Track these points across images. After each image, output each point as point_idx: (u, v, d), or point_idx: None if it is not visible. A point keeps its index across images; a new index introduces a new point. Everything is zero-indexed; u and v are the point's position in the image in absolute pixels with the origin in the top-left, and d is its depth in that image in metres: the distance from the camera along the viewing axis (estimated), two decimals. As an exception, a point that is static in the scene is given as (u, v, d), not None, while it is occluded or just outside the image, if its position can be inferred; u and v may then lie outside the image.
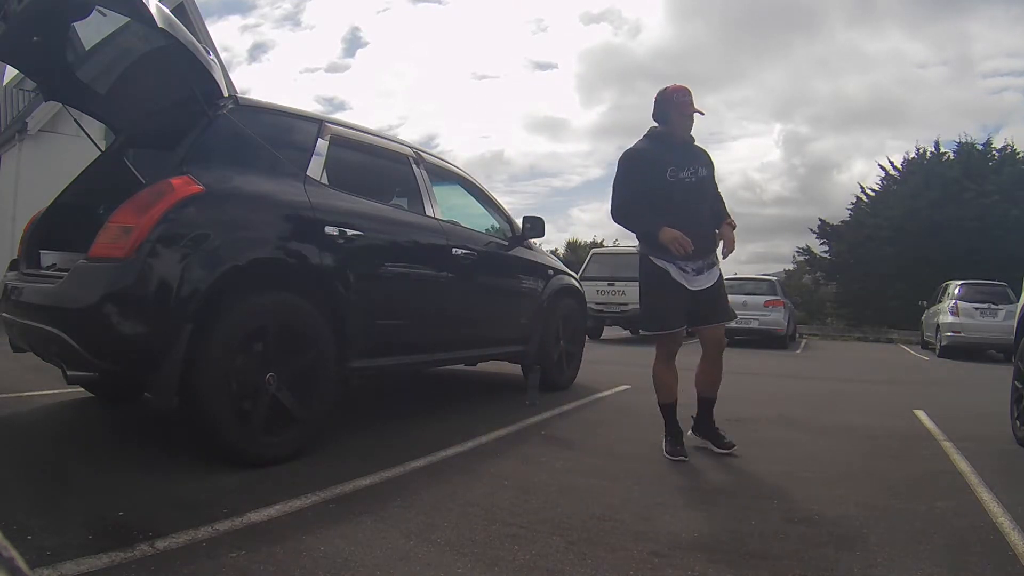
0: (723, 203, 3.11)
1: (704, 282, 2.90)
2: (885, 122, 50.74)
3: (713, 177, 3.03)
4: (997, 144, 22.19)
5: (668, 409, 3.06)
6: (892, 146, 64.30)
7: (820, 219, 25.15)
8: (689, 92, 2.91)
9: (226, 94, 2.72)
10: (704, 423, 3.14)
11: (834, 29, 61.73)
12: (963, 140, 22.45)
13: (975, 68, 44.11)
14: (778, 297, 12.11)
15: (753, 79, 71.30)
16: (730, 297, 11.16)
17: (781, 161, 61.49)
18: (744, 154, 70.70)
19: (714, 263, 2.97)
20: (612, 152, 72.41)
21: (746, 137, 69.85)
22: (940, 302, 11.86)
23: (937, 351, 11.44)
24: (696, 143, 3.02)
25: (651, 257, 2.92)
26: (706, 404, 3.12)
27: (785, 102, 66.09)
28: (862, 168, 64.77)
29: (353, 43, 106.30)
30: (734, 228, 2.99)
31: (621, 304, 10.75)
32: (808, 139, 59.65)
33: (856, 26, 60.66)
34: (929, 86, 48.58)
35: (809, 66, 66.12)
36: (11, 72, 8.97)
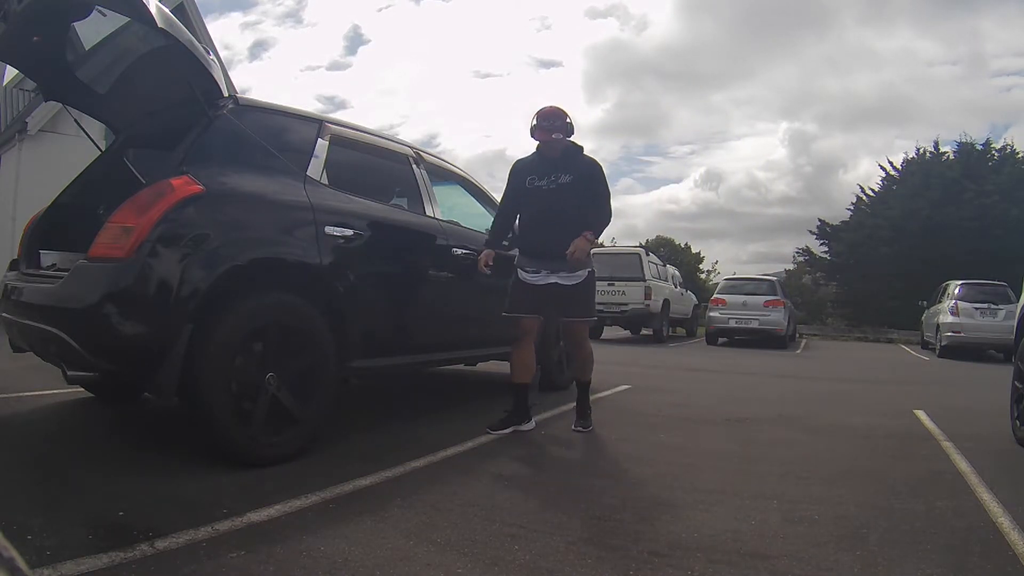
0: (596, 211, 3.22)
1: (559, 279, 3.20)
2: (893, 121, 50.99)
3: (587, 185, 3.21)
4: (997, 144, 22.26)
5: (517, 389, 3.31)
6: (900, 145, 64.40)
7: (820, 219, 25.22)
8: (548, 116, 3.22)
9: (226, 94, 2.72)
10: (580, 402, 3.46)
11: (844, 27, 61.85)
12: (963, 140, 22.51)
13: (985, 67, 44.24)
14: (778, 297, 12.11)
15: (761, 77, 71.36)
16: (730, 297, 11.29)
17: (787, 160, 61.65)
18: (749, 152, 70.74)
19: (574, 269, 3.19)
20: (616, 150, 72.42)
21: (752, 136, 69.88)
22: (940, 302, 11.87)
23: (937, 351, 11.45)
24: (578, 155, 3.27)
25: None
26: (580, 387, 3.46)
27: (793, 100, 66.18)
28: (868, 167, 64.94)
29: (355, 41, 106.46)
30: (589, 240, 3.15)
31: (621, 304, 10.75)
32: (815, 138, 59.77)
33: (866, 24, 60.78)
34: (938, 84, 48.78)
35: (818, 64, 66.20)
36: (11, 72, 8.94)
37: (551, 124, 3.22)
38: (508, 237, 4.25)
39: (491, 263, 3.29)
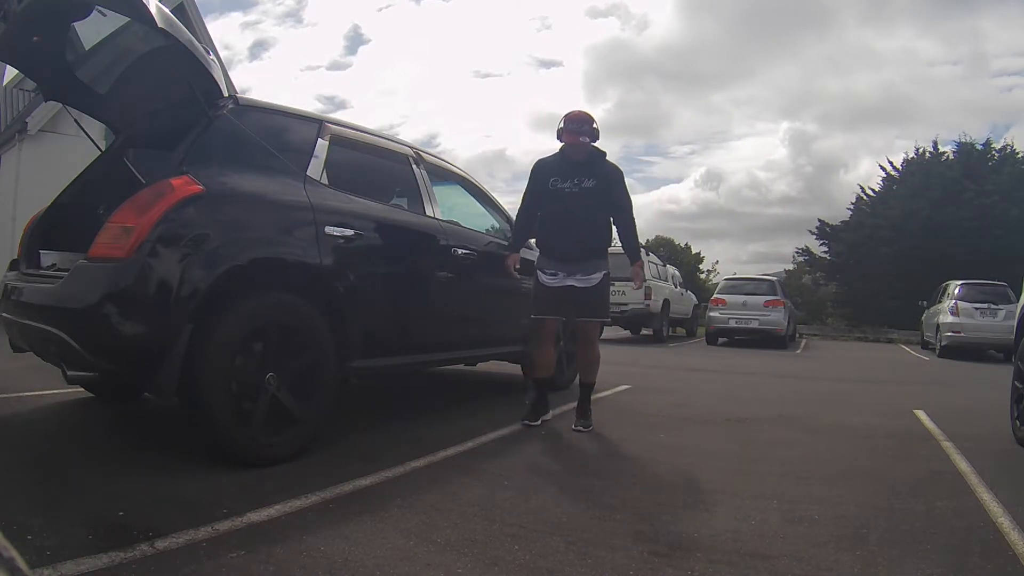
0: (627, 231, 3.40)
1: (575, 282, 3.29)
2: (894, 121, 51.11)
3: (608, 191, 3.32)
4: (997, 144, 22.25)
5: (539, 383, 3.51)
6: (900, 145, 64.60)
7: (819, 220, 25.22)
8: (576, 120, 3.29)
9: (226, 94, 2.72)
10: (581, 402, 3.49)
11: (845, 27, 61.93)
12: (963, 140, 22.50)
13: (986, 67, 44.29)
14: (778, 297, 12.10)
15: (761, 76, 71.46)
16: (730, 297, 11.43)
17: (787, 160, 61.72)
18: (750, 152, 70.76)
19: (592, 272, 3.29)
20: (617, 150, 72.02)
21: (752, 136, 69.90)
22: (940, 302, 11.86)
23: (937, 351, 11.44)
24: (602, 160, 3.37)
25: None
26: (583, 388, 3.50)
27: (793, 100, 66.28)
28: (869, 167, 64.96)
29: (355, 41, 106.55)
30: (642, 267, 3.54)
31: (621, 304, 10.73)
32: (815, 138, 59.85)
33: (867, 24, 60.87)
34: (939, 84, 48.84)
35: (818, 64, 66.29)
36: (11, 72, 8.95)
37: (579, 128, 3.29)
38: (508, 235, 4.27)
39: (519, 266, 3.48)
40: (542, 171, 3.41)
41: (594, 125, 3.32)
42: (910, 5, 61.23)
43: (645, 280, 3.51)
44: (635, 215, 3.46)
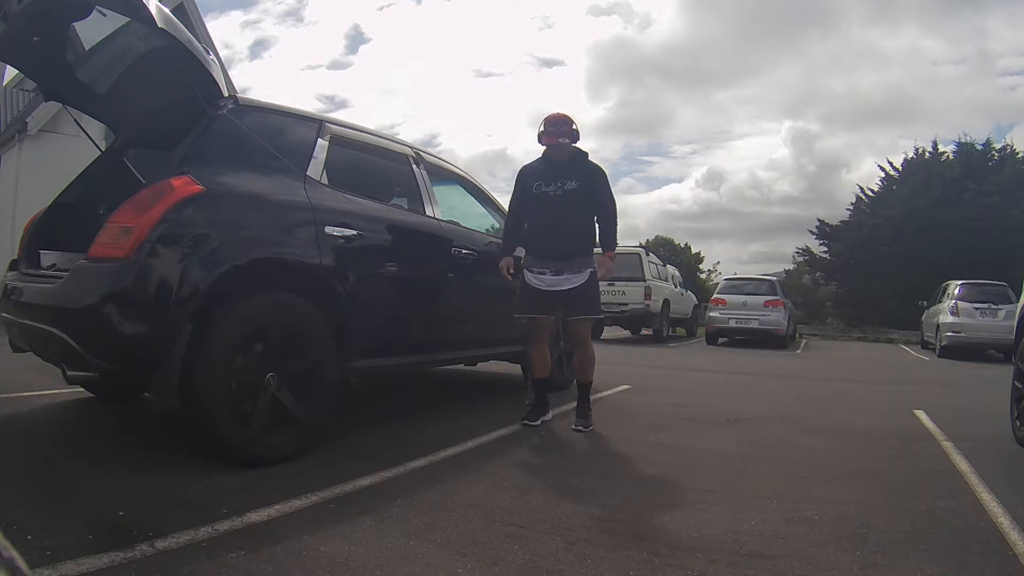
0: (606, 226, 3.42)
1: (563, 283, 3.31)
2: (898, 120, 51.02)
3: (592, 191, 3.36)
4: (997, 144, 22.23)
5: (538, 383, 3.55)
6: (904, 145, 64.49)
7: (819, 219, 25.21)
8: (555, 122, 3.36)
9: (226, 94, 2.72)
10: (580, 402, 3.52)
11: (850, 26, 61.87)
12: (963, 140, 22.49)
13: (991, 66, 44.24)
14: (778, 297, 12.09)
15: (764, 75, 71.43)
16: (730, 297, 11.45)
17: (790, 159, 61.66)
18: (752, 152, 70.73)
19: (579, 270, 3.32)
20: (618, 150, 72.35)
21: (755, 135, 69.82)
22: (940, 302, 11.85)
23: (937, 351, 11.43)
24: (584, 161, 3.42)
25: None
26: (581, 387, 3.53)
27: (796, 99, 66.22)
28: (872, 167, 64.88)
29: (355, 40, 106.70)
30: (612, 259, 3.49)
31: (621, 304, 10.73)
32: (818, 137, 59.80)
33: (872, 23, 60.81)
34: (944, 84, 48.72)
35: (822, 63, 66.24)
36: (11, 72, 8.95)
37: (557, 129, 3.36)
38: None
39: (512, 270, 3.48)
40: (526, 177, 3.46)
41: (573, 126, 3.38)
42: (915, 4, 61.23)
43: (611, 271, 3.51)
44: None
